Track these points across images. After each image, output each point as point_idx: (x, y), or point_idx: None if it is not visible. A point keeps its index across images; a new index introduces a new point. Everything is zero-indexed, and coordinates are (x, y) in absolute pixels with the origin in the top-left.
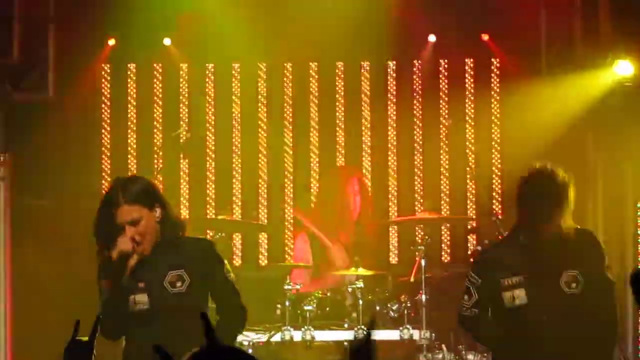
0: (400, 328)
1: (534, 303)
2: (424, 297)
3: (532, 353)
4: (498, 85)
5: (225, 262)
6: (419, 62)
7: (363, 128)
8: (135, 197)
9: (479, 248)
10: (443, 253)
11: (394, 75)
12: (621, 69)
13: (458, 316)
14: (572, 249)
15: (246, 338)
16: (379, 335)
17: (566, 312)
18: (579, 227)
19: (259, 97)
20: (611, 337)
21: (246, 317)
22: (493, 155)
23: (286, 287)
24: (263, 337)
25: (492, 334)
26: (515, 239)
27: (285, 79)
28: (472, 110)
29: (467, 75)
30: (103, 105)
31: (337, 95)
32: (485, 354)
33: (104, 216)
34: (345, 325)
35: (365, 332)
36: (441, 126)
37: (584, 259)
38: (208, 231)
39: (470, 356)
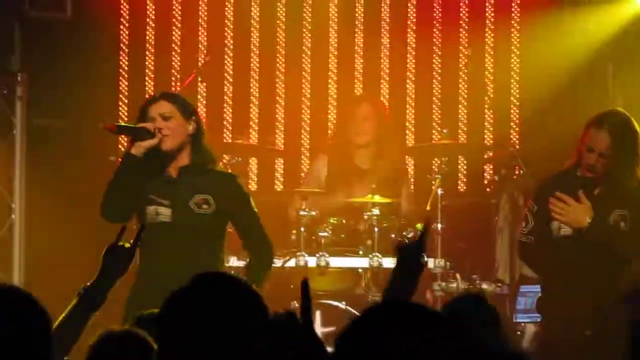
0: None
1: (578, 235)
2: (439, 225)
3: (574, 287)
4: (519, 15)
5: (251, 198)
6: None
7: (382, 56)
8: (174, 98)
9: (496, 178)
10: (460, 182)
11: (414, 2)
12: None
13: (516, 243)
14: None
15: None
16: (392, 263)
17: (607, 249)
18: None
19: (278, 22)
20: None
21: (273, 253)
22: (512, 86)
23: (301, 212)
24: (278, 262)
25: (544, 263)
26: (574, 171)
27: (305, 4)
28: (492, 40)
29: (487, 4)
30: (121, 26)
31: (356, 22)
32: (500, 284)
33: (139, 113)
34: (360, 252)
35: (419, 232)
36: (460, 55)
37: (635, 201)
38: (224, 155)
39: (484, 285)
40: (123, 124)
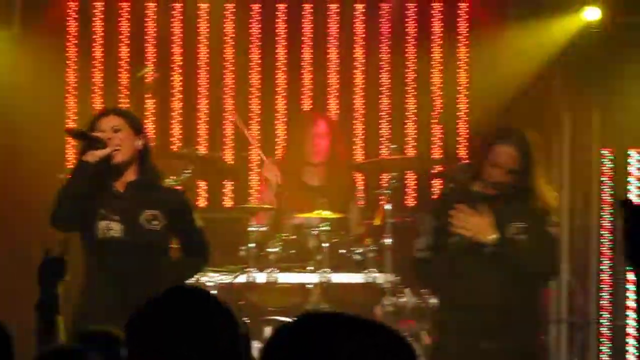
0: (364, 271)
1: (478, 248)
2: (388, 240)
3: (471, 298)
4: (466, 29)
5: (195, 213)
6: (387, 5)
7: (329, 71)
8: (124, 113)
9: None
10: (408, 197)
11: (362, 18)
12: (589, 14)
13: (411, 260)
14: (521, 202)
15: (210, 279)
16: (343, 278)
17: (506, 261)
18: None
19: (226, 38)
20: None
21: (209, 252)
22: (460, 100)
23: (250, 228)
24: (227, 279)
25: (440, 278)
26: (470, 186)
27: (252, 20)
28: (440, 55)
29: (435, 19)
30: (68, 43)
31: (304, 37)
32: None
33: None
34: (310, 268)
35: None
36: (408, 70)
37: (531, 212)
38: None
39: (433, 300)
40: (82, 129)
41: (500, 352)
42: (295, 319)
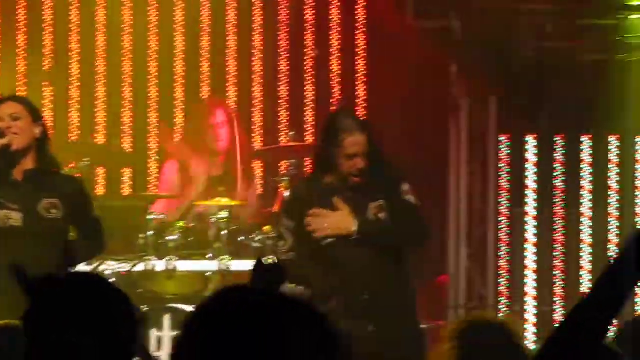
0: (263, 259)
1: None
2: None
3: (351, 285)
4: (364, 17)
5: (91, 201)
6: None
7: (228, 59)
8: (22, 100)
9: None
10: None
11: (260, 5)
12: None
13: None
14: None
15: (108, 267)
16: (242, 265)
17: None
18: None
19: (124, 26)
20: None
21: (105, 242)
22: (359, 87)
23: (149, 217)
24: (125, 267)
25: (312, 273)
26: (319, 181)
27: (150, 7)
28: (338, 42)
29: (333, 7)
30: None
31: (202, 25)
32: None
33: None
34: (209, 256)
35: None
36: (306, 57)
37: (385, 187)
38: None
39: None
40: None
41: (384, 334)
42: (214, 298)
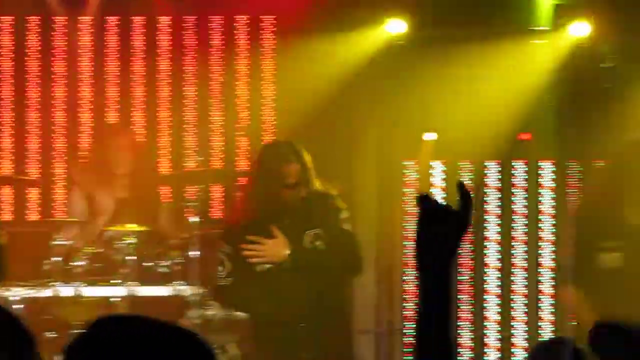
0: (171, 284)
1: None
2: (195, 253)
3: (285, 312)
4: (272, 41)
5: None
6: (192, 17)
7: (134, 83)
8: None
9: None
10: (214, 209)
11: (166, 29)
12: (392, 27)
13: (215, 288)
14: (309, 210)
15: (14, 294)
16: (149, 291)
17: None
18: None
19: (28, 51)
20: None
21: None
22: (265, 112)
23: (54, 242)
24: (32, 293)
25: (249, 300)
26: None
27: (56, 32)
28: (246, 67)
29: (240, 30)
30: None
31: (107, 50)
32: None
33: None
34: (115, 282)
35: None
36: (213, 82)
37: (322, 216)
38: None
39: (240, 313)
40: None
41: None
42: (92, 325)
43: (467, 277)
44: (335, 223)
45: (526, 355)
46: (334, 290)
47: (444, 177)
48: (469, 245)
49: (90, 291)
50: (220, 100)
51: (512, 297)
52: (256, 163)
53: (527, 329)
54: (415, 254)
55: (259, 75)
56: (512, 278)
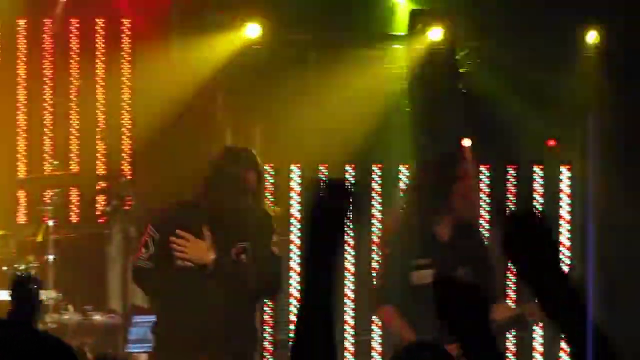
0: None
1: (200, 268)
2: (51, 257)
3: (191, 314)
4: (129, 45)
5: None
6: (50, 20)
7: None
8: None
9: (108, 209)
10: (72, 214)
11: (23, 34)
12: (250, 31)
13: (132, 268)
14: (246, 223)
15: None
16: (4, 295)
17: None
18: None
19: None
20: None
21: None
22: (123, 117)
23: None
24: None
25: (161, 290)
26: (199, 204)
27: None
28: (102, 71)
29: (97, 35)
30: None
31: None
32: (112, 314)
33: None
34: None
35: None
36: (71, 86)
37: (255, 232)
38: None
39: (97, 316)
40: None
41: None
42: None
43: None
44: (266, 243)
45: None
46: (246, 304)
47: (300, 181)
48: None
49: None
50: (78, 104)
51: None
52: (215, 166)
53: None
54: (306, 240)
55: (117, 79)
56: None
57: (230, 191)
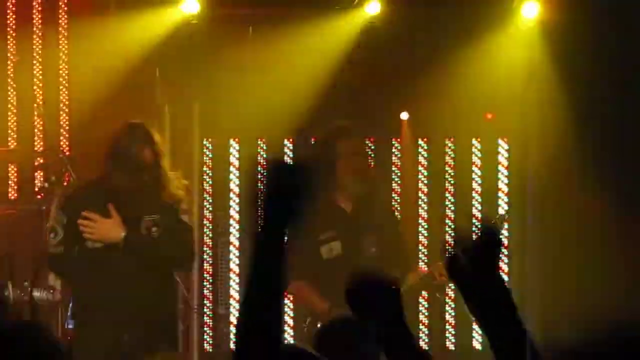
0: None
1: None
2: None
3: (110, 293)
4: (66, 20)
5: None
6: None
7: None
8: None
9: (46, 185)
10: (10, 190)
11: None
12: (187, 6)
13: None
14: (150, 197)
15: None
16: None
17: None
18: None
19: None
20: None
21: None
22: (61, 92)
23: None
24: None
25: (76, 272)
26: (104, 183)
27: None
28: (39, 46)
29: (34, 10)
30: None
31: None
32: (52, 290)
33: None
34: None
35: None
36: (8, 62)
37: (162, 204)
38: None
39: (36, 292)
40: None
41: (141, 342)
42: None
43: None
44: (174, 213)
45: None
46: (162, 277)
47: (237, 156)
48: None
49: None
50: (14, 80)
51: None
52: (111, 144)
53: None
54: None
55: (54, 54)
56: None
57: (126, 167)
